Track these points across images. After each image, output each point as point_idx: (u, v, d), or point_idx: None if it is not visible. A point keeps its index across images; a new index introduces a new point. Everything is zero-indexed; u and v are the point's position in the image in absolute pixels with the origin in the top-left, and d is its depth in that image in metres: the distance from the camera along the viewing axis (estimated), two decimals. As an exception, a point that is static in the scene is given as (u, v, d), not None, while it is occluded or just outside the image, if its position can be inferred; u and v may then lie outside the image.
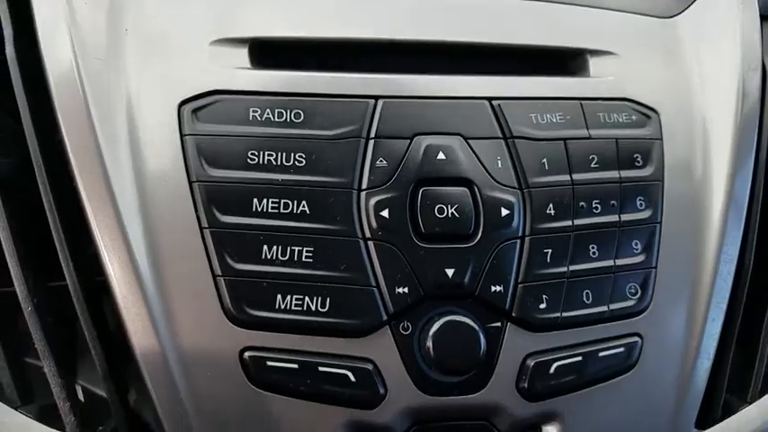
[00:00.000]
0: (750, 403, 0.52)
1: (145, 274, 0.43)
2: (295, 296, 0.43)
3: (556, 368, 0.45)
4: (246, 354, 0.43)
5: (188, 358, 0.43)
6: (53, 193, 0.45)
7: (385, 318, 0.44)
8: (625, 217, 0.48)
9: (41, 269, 0.47)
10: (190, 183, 0.44)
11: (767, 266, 0.53)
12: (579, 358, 0.46)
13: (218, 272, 0.43)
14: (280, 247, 0.44)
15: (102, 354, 0.45)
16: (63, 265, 0.45)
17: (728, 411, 0.52)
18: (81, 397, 0.48)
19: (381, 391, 0.44)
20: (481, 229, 0.45)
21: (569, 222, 0.46)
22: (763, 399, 0.52)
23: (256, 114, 0.45)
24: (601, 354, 0.46)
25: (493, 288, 0.45)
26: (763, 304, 0.53)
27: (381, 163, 0.45)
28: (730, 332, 0.51)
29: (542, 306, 0.45)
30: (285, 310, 0.43)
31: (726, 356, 0.51)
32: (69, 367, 0.47)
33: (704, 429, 0.51)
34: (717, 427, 0.51)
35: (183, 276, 0.43)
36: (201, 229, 0.43)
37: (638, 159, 0.49)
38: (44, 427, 0.45)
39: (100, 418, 0.47)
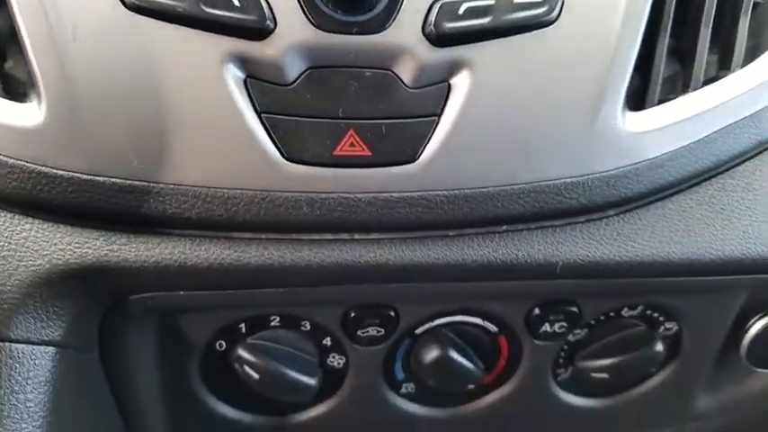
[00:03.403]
0: (690, 93, 0.47)
1: None
2: None
3: (465, 9, 0.41)
4: None
5: None
6: None
7: None
8: None
9: None
10: None
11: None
12: (492, 2, 0.42)
13: None
14: None
15: None
16: None
17: (668, 106, 0.47)
18: None
19: (270, 24, 0.40)
20: None
21: None
22: (703, 88, 0.47)
23: None
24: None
25: None
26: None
27: None
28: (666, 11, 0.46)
29: None
30: None
31: (661, 36, 0.46)
32: None
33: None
34: (650, 109, 0.46)
35: None
36: None
37: None
38: None
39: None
